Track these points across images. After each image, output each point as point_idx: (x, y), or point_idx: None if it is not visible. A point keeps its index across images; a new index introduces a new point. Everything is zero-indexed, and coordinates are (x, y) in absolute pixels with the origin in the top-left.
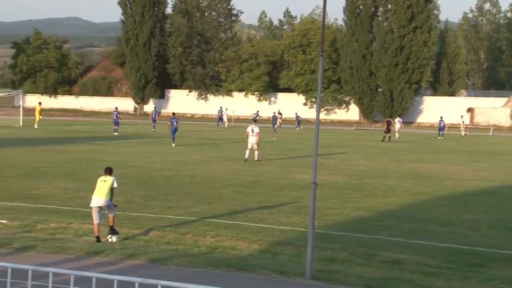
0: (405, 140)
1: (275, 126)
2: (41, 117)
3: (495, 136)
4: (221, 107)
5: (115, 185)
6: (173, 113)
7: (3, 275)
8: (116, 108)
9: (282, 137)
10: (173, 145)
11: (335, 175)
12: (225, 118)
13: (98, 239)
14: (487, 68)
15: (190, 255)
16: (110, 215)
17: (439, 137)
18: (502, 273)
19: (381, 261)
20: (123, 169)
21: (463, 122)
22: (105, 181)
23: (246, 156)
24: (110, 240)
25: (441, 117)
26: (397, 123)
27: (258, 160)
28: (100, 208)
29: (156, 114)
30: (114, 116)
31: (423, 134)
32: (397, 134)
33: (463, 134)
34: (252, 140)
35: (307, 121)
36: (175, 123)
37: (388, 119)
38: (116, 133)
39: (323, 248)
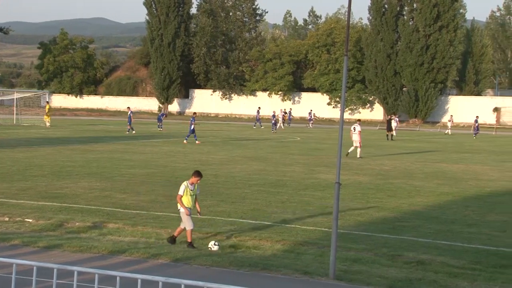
0: (431, 140)
1: (276, 126)
2: (51, 117)
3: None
4: (259, 108)
5: (181, 191)
6: (194, 113)
7: (29, 274)
8: (129, 107)
9: (306, 137)
10: (185, 142)
11: (359, 175)
12: (280, 119)
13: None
14: None
15: (213, 254)
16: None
17: (474, 137)
18: None
19: (405, 261)
20: (148, 168)
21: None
22: (183, 185)
23: (349, 151)
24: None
25: (477, 117)
26: (393, 122)
27: (360, 157)
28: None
29: (164, 116)
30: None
31: (448, 133)
32: (394, 132)
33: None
34: (354, 138)
35: (331, 121)
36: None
37: (389, 118)
38: (127, 132)
39: (347, 248)
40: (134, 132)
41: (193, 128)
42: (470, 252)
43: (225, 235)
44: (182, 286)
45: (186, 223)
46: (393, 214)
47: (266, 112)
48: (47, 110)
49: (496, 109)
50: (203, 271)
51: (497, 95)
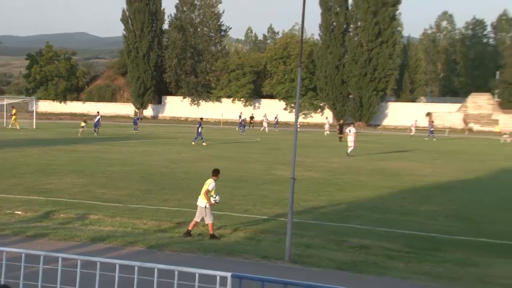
0: (374, 141)
1: (244, 128)
2: (16, 121)
3: (450, 137)
4: (241, 113)
5: (210, 187)
6: (201, 118)
7: (18, 260)
8: (98, 112)
9: (266, 138)
10: (193, 143)
11: (312, 171)
12: (265, 124)
13: (188, 234)
14: (443, 78)
15: (183, 241)
16: (207, 222)
17: (434, 139)
18: (454, 256)
19: (350, 246)
20: (125, 166)
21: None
22: (205, 184)
23: (348, 151)
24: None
25: (432, 121)
26: (327, 123)
27: (351, 155)
28: (202, 208)
29: (139, 119)
30: (96, 119)
31: (388, 135)
32: (342, 136)
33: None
34: (350, 139)
35: (287, 124)
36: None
37: (340, 123)
38: (96, 134)
39: (301, 235)
40: (96, 134)
41: (200, 131)
42: (405, 237)
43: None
44: (156, 270)
45: (210, 218)
46: (340, 205)
47: (231, 116)
48: (13, 114)
49: (429, 114)
50: (175, 256)
51: (429, 102)
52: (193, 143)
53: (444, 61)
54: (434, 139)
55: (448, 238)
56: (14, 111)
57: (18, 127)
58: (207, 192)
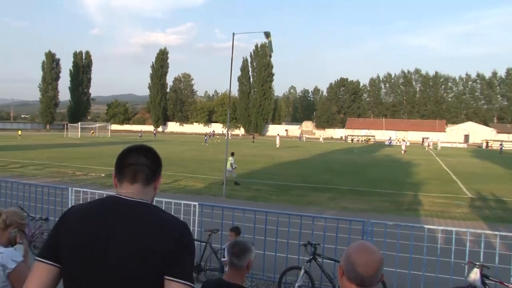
0: (262, 143)
1: (207, 138)
2: (95, 134)
3: (296, 141)
4: (212, 130)
5: (232, 161)
6: (207, 132)
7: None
8: (141, 130)
9: (221, 142)
10: (204, 144)
11: (236, 156)
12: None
13: (237, 183)
14: (292, 114)
15: (176, 188)
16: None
17: (300, 140)
18: (297, 192)
19: (253, 189)
20: None
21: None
22: (228, 159)
23: (277, 147)
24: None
25: (301, 133)
26: (277, 139)
27: (279, 148)
28: (228, 170)
29: (156, 132)
30: (140, 134)
31: (270, 140)
32: (253, 139)
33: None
34: (277, 142)
35: (223, 135)
36: (206, 137)
37: (253, 133)
38: (140, 140)
39: (231, 185)
40: (140, 140)
41: (206, 139)
42: (277, 185)
43: (181, 180)
44: (163, 202)
45: (232, 175)
46: (249, 172)
47: (198, 131)
48: (92, 132)
49: (286, 130)
50: (173, 195)
51: (287, 124)
52: (206, 144)
53: (292, 107)
54: (300, 141)
55: (295, 185)
56: (92, 131)
57: (96, 136)
58: (232, 164)
